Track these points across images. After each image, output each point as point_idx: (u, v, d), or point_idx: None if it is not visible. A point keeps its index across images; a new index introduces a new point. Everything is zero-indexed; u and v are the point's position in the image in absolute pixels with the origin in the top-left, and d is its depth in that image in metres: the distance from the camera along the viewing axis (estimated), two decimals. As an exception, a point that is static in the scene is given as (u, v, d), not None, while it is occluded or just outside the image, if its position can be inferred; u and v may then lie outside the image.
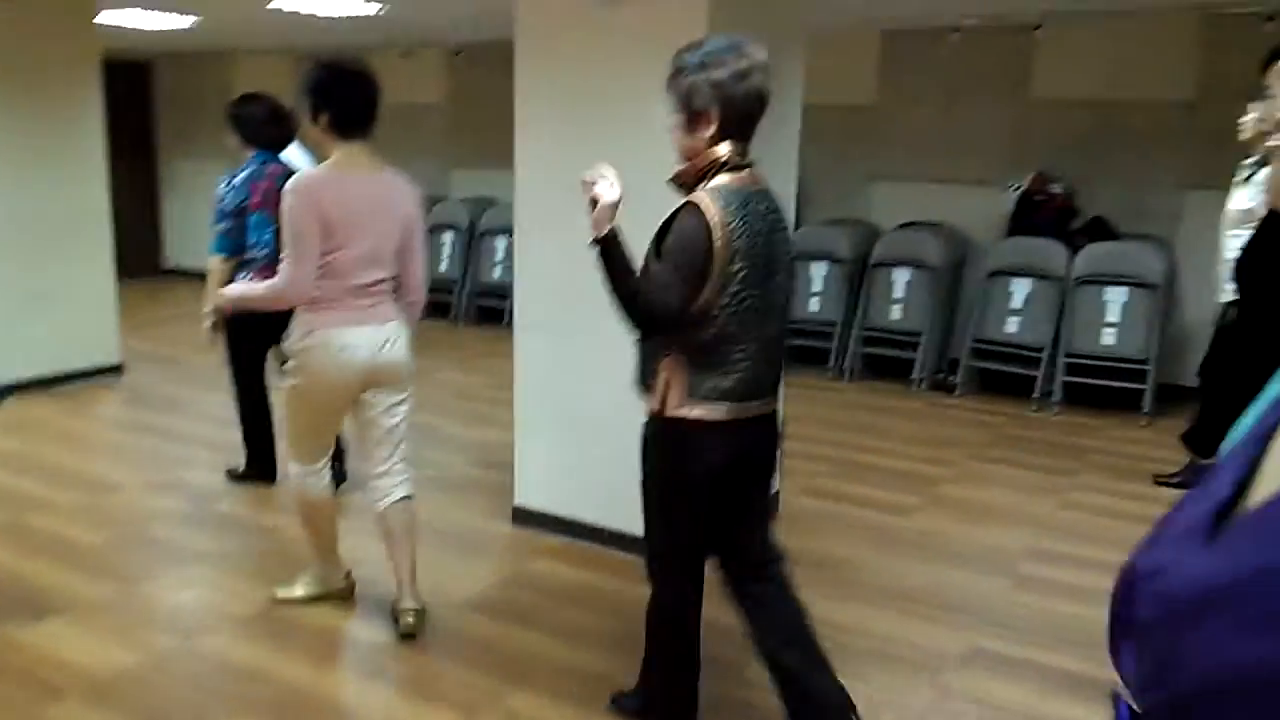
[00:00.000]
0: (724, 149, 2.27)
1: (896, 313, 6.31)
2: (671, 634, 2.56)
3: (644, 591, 2.57)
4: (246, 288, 3.42)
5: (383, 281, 3.00)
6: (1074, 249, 5.80)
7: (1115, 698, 0.65)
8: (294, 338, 3.00)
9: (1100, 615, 0.66)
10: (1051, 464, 4.90)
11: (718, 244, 2.20)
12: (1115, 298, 5.64)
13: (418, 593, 3.20)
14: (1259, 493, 0.55)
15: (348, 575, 3.41)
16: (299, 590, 3.38)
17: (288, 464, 3.25)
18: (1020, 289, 5.94)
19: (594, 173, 2.24)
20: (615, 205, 2.20)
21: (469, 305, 8.20)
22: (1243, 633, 0.49)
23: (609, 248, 2.21)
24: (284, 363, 3.19)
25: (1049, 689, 2.90)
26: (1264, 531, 0.52)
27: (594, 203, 2.21)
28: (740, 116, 2.27)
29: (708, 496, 2.41)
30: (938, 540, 3.98)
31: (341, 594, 3.38)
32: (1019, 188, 6.18)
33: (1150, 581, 0.57)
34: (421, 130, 8.51)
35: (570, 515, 3.88)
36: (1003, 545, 3.94)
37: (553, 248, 3.75)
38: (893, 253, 6.34)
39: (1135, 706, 0.60)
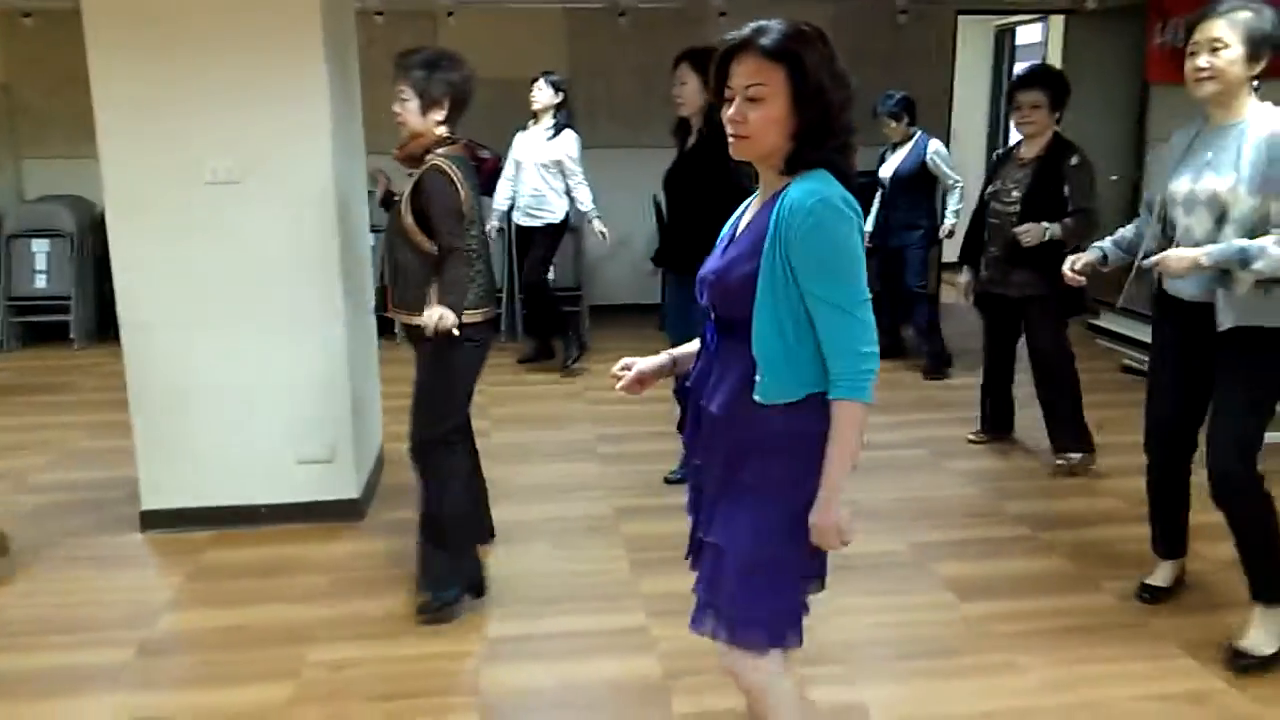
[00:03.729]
0: (445, 129, 3.12)
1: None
2: (466, 508, 3.30)
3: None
4: None
5: None
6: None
7: (707, 324, 1.99)
8: None
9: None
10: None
11: (463, 194, 3.06)
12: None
13: None
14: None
15: None
16: None
17: None
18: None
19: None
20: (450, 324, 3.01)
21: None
22: (735, 266, 1.89)
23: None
24: None
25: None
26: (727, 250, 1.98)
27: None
28: (460, 107, 3.13)
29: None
30: (530, 448, 4.80)
31: None
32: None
33: (714, 272, 1.94)
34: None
35: (210, 504, 3.82)
36: (579, 437, 4.95)
37: (154, 236, 3.63)
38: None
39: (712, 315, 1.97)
